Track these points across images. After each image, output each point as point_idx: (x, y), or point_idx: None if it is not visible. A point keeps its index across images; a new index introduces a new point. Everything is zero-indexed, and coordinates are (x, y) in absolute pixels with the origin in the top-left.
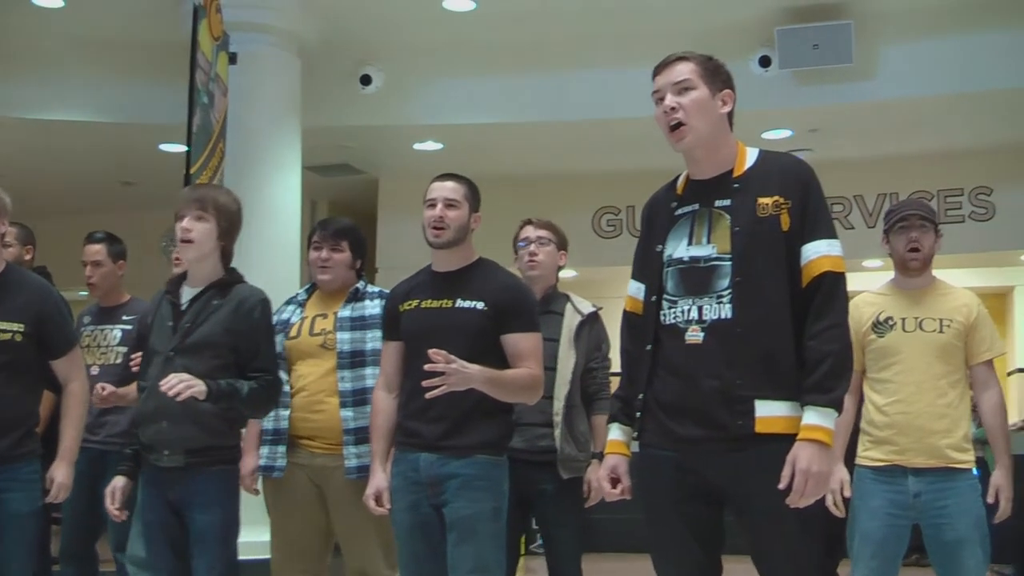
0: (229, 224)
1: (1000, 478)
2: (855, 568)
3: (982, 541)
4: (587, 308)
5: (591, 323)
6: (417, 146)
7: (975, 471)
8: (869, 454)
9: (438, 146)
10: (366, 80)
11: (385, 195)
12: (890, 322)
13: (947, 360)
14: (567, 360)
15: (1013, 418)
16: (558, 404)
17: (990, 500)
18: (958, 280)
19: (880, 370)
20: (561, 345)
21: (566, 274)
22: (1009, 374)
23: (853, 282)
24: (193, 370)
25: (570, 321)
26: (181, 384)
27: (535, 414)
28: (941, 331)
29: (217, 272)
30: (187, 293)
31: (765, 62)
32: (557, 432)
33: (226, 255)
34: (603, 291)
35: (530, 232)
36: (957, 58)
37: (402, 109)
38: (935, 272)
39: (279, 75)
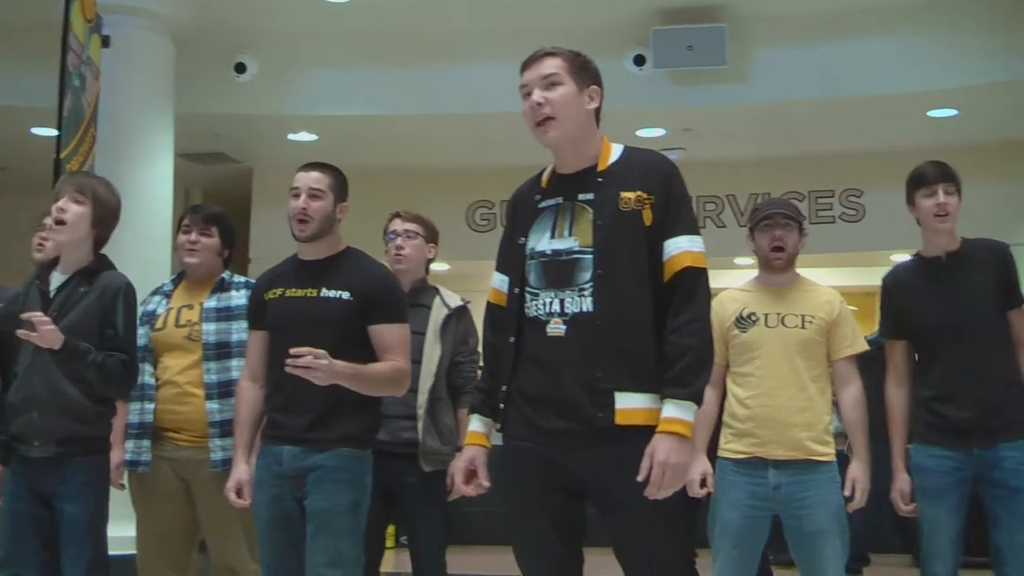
0: (104, 213)
1: (857, 470)
2: (716, 559)
3: (841, 532)
4: (455, 301)
5: (459, 316)
6: (291, 136)
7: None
8: (731, 447)
9: (312, 137)
10: (241, 68)
11: (259, 185)
12: (753, 318)
13: (808, 355)
14: (432, 353)
15: None
16: (422, 397)
17: (846, 493)
18: (829, 279)
19: (742, 364)
20: (427, 338)
21: (439, 267)
22: None
23: (726, 280)
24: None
25: (437, 314)
26: (45, 327)
27: (399, 407)
28: (803, 327)
29: (88, 258)
30: (56, 279)
31: (640, 61)
32: (420, 425)
33: (99, 244)
34: (477, 285)
35: (398, 225)
36: (827, 64)
37: (276, 98)
38: (805, 271)
39: (153, 60)
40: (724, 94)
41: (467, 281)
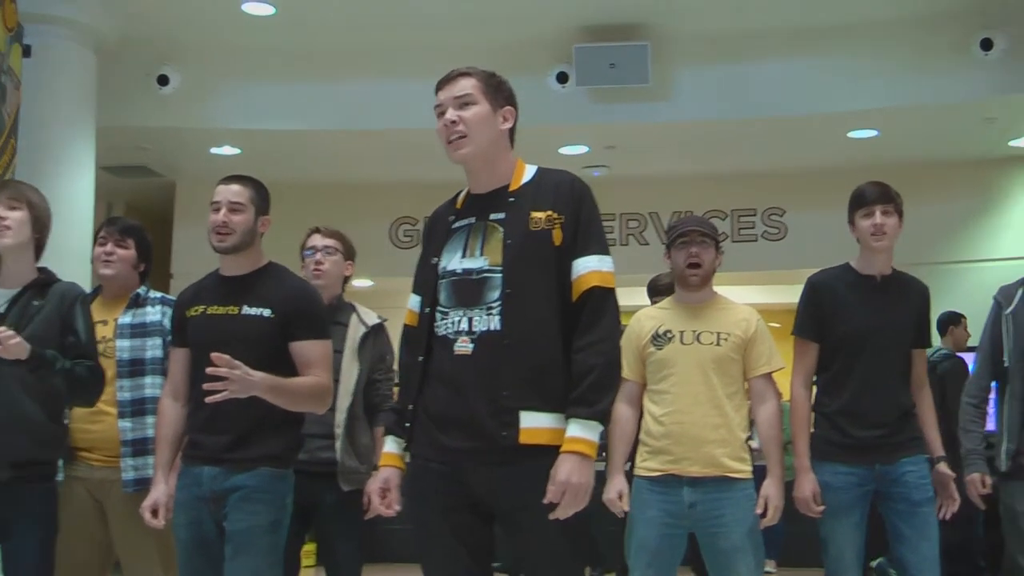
0: (41, 217)
1: (771, 488)
2: None
3: (755, 549)
4: (372, 319)
5: (375, 334)
6: (214, 150)
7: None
8: (646, 464)
9: (235, 151)
10: (163, 80)
11: (182, 199)
12: (668, 335)
13: (724, 372)
14: (350, 371)
15: None
16: (340, 416)
17: (758, 511)
18: (751, 297)
19: (658, 381)
20: (345, 356)
21: (361, 284)
22: None
23: (640, 298)
24: (19, 374)
25: (354, 332)
26: (10, 340)
27: (316, 426)
28: (718, 344)
29: (31, 271)
30: (2, 295)
31: (563, 78)
32: (338, 444)
33: (39, 250)
34: (399, 301)
35: (317, 241)
36: (749, 83)
37: (199, 112)
38: (727, 288)
39: (75, 70)
40: (646, 112)
41: (390, 298)
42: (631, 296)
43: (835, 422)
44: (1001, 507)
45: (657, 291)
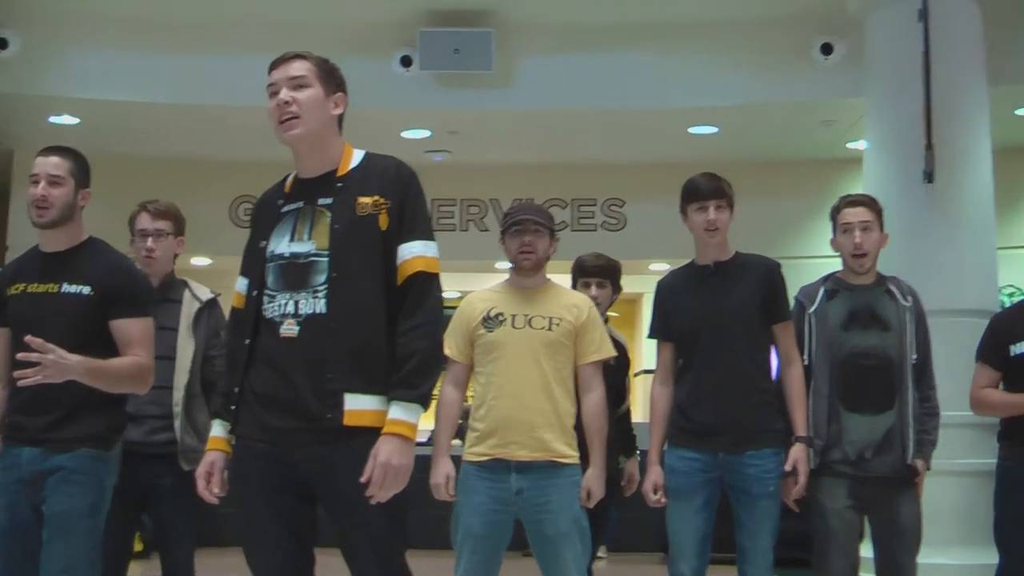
0: None
1: (592, 479)
2: (458, 562)
3: (582, 535)
4: (205, 294)
5: (209, 309)
6: (53, 119)
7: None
8: (474, 449)
9: (74, 120)
10: (2, 44)
11: (20, 169)
12: (500, 318)
13: (554, 357)
14: (186, 349)
15: (637, 417)
16: (178, 395)
17: (582, 502)
18: None
19: (487, 364)
20: (180, 334)
21: (199, 262)
22: (636, 375)
23: (488, 283)
24: None
25: (188, 308)
26: None
27: (153, 406)
28: (550, 329)
29: None
30: None
31: (406, 62)
32: (177, 423)
33: None
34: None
35: (146, 223)
36: (593, 75)
37: (38, 78)
38: (565, 277)
39: None
40: (489, 99)
41: (229, 277)
42: (471, 281)
43: (682, 409)
44: (811, 502)
45: (585, 271)
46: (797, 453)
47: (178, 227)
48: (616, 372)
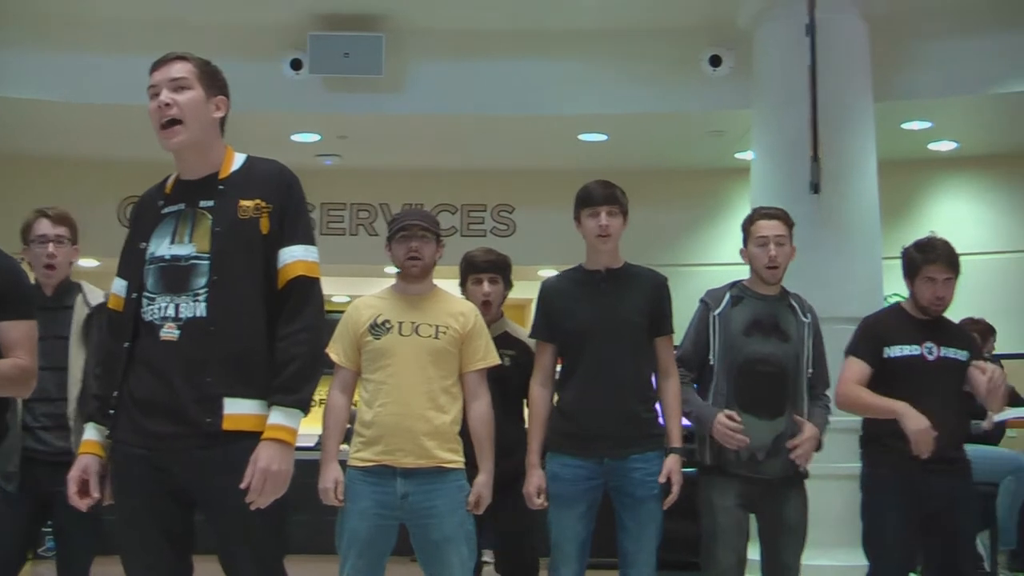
0: None
1: (480, 485)
2: (342, 567)
3: (467, 539)
4: (96, 298)
5: (99, 314)
6: None
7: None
8: (360, 455)
9: None
10: None
11: None
12: (387, 325)
13: (440, 365)
14: (77, 358)
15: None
16: (71, 406)
17: (470, 508)
18: None
19: (374, 371)
20: (71, 342)
21: (87, 263)
22: None
23: (377, 288)
24: None
25: (79, 315)
26: None
27: (47, 418)
28: (436, 337)
29: None
30: None
31: (297, 65)
32: (72, 436)
33: None
34: None
35: (47, 229)
36: (482, 81)
37: None
38: (451, 282)
39: None
40: (379, 103)
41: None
42: (361, 285)
43: (566, 415)
44: (701, 500)
45: (475, 267)
46: (671, 464)
47: (74, 234)
48: (523, 372)
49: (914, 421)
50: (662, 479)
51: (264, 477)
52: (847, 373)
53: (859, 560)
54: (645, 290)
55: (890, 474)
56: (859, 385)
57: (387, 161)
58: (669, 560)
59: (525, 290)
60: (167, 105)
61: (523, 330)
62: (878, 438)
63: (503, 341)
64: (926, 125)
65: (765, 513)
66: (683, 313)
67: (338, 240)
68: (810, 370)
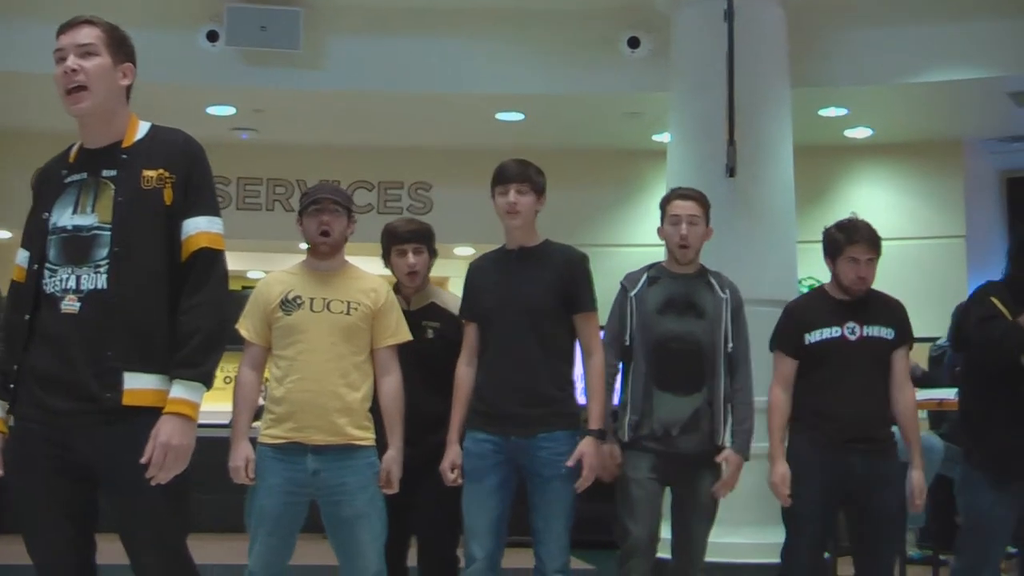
0: None
1: (390, 461)
2: (252, 544)
3: (379, 515)
4: None
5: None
6: None
7: None
8: (270, 432)
9: None
10: None
11: None
12: (298, 301)
13: (352, 341)
14: None
15: None
16: None
17: (382, 484)
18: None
19: (285, 347)
20: None
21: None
22: None
23: (290, 263)
24: None
25: None
26: None
27: None
28: (348, 313)
29: None
30: None
31: (213, 37)
32: None
33: None
34: None
35: None
36: (400, 57)
37: None
38: (370, 260)
39: None
40: (296, 78)
41: None
42: (276, 261)
43: (478, 391)
44: (618, 475)
45: (398, 238)
46: (583, 447)
47: None
48: (449, 345)
49: (774, 472)
50: (571, 463)
51: (165, 452)
52: (775, 374)
53: (769, 538)
54: (557, 267)
55: (809, 449)
56: (782, 397)
57: (304, 137)
58: (584, 539)
59: (443, 268)
60: (73, 71)
61: (455, 298)
62: (800, 416)
63: (428, 312)
64: (842, 112)
65: (678, 489)
66: (604, 294)
67: (254, 215)
68: (730, 344)
